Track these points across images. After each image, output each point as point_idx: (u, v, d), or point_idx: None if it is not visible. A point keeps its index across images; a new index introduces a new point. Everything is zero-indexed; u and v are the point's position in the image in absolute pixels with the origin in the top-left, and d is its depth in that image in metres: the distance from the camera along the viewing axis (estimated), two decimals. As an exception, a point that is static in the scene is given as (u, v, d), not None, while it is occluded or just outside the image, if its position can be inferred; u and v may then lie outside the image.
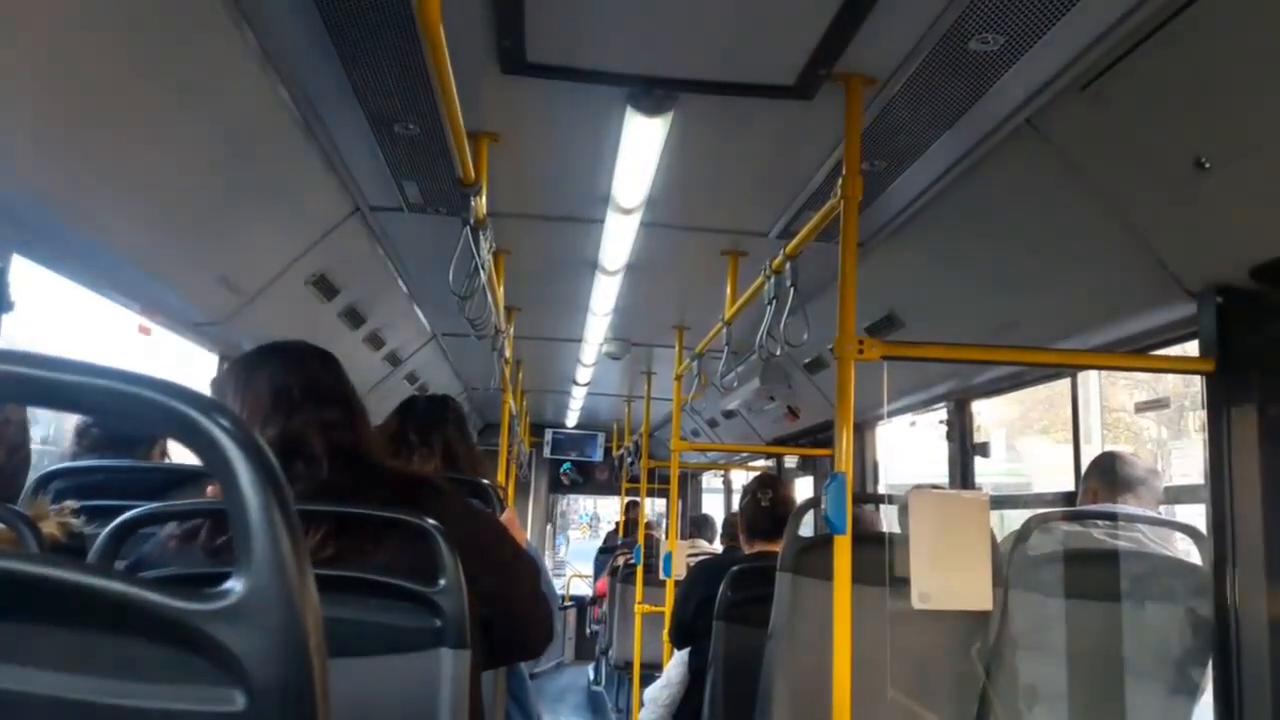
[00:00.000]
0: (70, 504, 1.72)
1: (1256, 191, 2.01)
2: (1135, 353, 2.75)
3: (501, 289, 3.94)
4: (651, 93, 2.50)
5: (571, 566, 12.77)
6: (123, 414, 0.56)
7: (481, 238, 2.86)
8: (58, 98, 1.96)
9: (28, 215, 2.25)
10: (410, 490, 1.49)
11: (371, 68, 2.38)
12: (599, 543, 12.33)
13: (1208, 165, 2.03)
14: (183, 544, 1.39)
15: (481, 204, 2.74)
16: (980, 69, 2.23)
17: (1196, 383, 2.32)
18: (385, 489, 1.45)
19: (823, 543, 2.49)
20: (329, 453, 1.42)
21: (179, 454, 2.61)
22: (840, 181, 2.37)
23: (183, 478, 2.12)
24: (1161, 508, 2.80)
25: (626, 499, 9.88)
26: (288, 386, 1.44)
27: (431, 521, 1.36)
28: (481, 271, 2.98)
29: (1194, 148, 2.03)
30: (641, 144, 2.75)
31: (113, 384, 0.55)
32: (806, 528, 2.85)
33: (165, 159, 2.42)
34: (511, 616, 1.59)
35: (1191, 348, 2.44)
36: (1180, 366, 2.50)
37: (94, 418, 2.24)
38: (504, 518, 1.99)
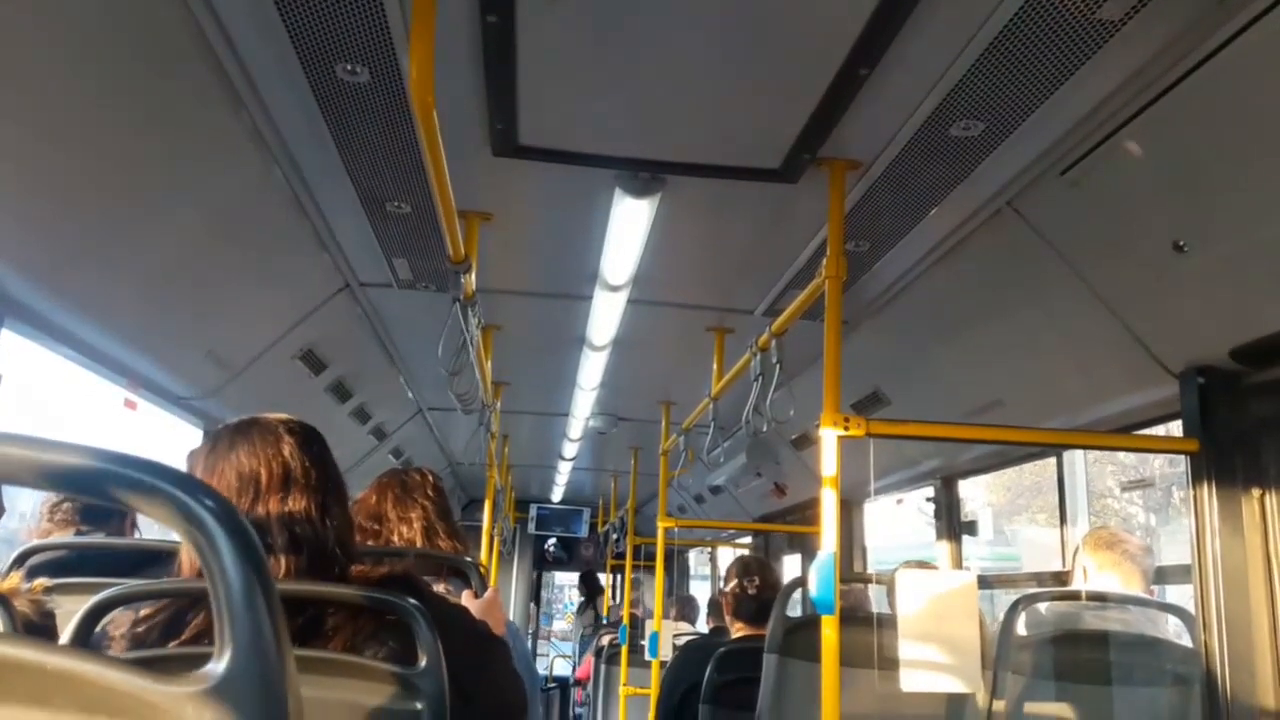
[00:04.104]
0: (42, 581, 1.68)
1: (1234, 273, 2.05)
2: (1120, 432, 2.76)
3: (489, 363, 3.95)
4: (639, 175, 2.55)
5: (556, 649, 12.51)
6: (106, 493, 0.56)
7: (470, 313, 2.88)
8: (48, 173, 1.99)
9: (17, 289, 2.26)
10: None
11: (365, 149, 2.43)
12: (582, 631, 12.12)
13: (1186, 248, 2.07)
14: (131, 647, 1.33)
15: (471, 281, 2.76)
16: (961, 154, 2.29)
17: (1183, 463, 2.33)
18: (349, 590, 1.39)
19: (810, 623, 2.45)
20: (290, 547, 1.36)
21: (147, 525, 2.57)
22: (824, 261, 2.40)
23: (156, 554, 2.08)
24: (1153, 587, 2.78)
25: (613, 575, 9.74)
26: (255, 472, 1.38)
27: (413, 601, 1.34)
28: (470, 347, 2.99)
29: (1172, 231, 2.08)
30: (630, 224, 2.79)
31: (95, 463, 0.55)
32: (794, 607, 2.81)
33: (156, 235, 2.44)
34: (486, 698, 1.55)
35: (1176, 428, 2.45)
36: (1164, 446, 2.51)
37: (76, 496, 2.21)
38: (486, 597, 1.95)
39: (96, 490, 0.56)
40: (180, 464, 1.51)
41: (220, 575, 0.55)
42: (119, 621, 1.37)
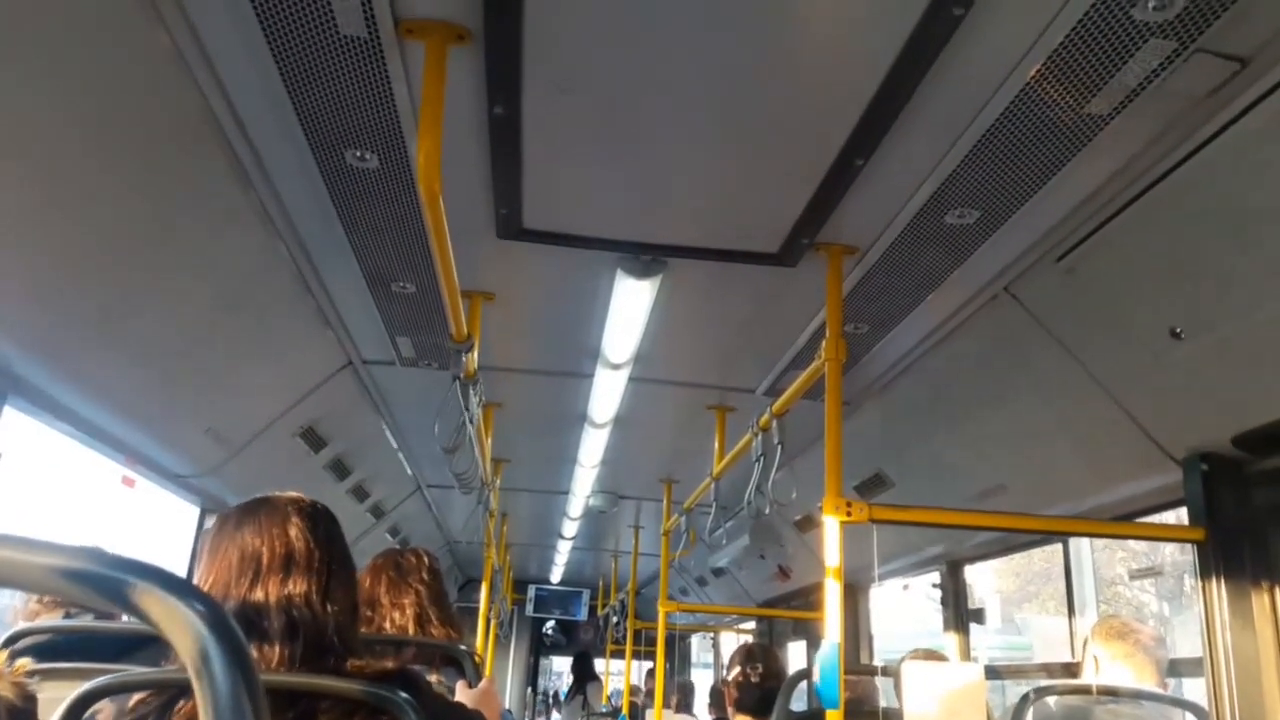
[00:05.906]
0: (26, 662, 1.64)
1: (1233, 361, 2.05)
2: (1124, 519, 2.73)
3: (489, 441, 3.94)
4: (641, 257, 2.59)
5: None
6: (90, 595, 0.55)
7: (471, 392, 2.88)
8: (53, 249, 2.00)
9: (19, 366, 2.26)
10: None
11: (371, 231, 2.46)
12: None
13: (1183, 335, 2.08)
14: None
15: (473, 359, 2.77)
16: (957, 241, 2.32)
17: (1192, 550, 2.29)
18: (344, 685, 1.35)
19: (815, 718, 2.39)
20: (286, 633, 1.32)
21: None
22: (824, 343, 2.41)
23: (146, 639, 2.04)
24: (1168, 680, 2.70)
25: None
26: (258, 551, 1.36)
27: (404, 695, 1.30)
28: (469, 425, 2.98)
29: (1169, 318, 2.09)
30: (631, 304, 2.81)
31: (79, 564, 0.54)
32: (800, 700, 2.74)
33: (160, 311, 2.45)
34: None
35: (1183, 514, 2.42)
36: (1170, 535, 2.48)
37: (63, 599, 2.17)
38: (480, 688, 1.90)
39: (79, 593, 0.55)
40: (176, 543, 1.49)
41: (207, 678, 0.53)
42: (108, 712, 1.34)
